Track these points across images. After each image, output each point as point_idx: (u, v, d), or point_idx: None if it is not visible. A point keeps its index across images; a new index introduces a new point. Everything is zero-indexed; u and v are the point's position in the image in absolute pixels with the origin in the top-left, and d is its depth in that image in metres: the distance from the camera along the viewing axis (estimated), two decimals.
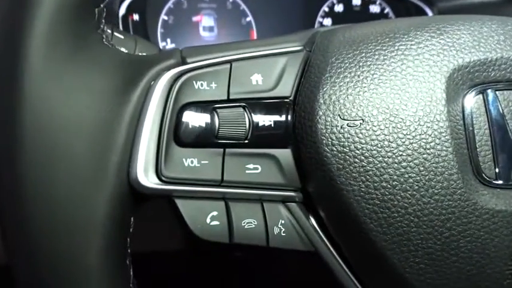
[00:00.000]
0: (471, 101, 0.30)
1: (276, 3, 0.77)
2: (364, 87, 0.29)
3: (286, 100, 0.31)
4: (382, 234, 0.29)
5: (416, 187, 0.29)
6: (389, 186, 0.29)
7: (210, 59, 0.30)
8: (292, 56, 0.32)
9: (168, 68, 0.29)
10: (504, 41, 0.31)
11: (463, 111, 0.30)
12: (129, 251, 0.29)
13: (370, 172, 0.29)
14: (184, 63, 0.30)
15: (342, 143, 0.29)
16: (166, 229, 0.31)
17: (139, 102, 0.28)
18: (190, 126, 0.29)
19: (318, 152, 0.29)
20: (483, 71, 0.30)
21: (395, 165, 0.29)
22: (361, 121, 0.29)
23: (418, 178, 0.29)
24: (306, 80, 0.31)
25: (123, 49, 0.43)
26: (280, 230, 0.30)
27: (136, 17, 0.70)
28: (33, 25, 0.25)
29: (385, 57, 0.30)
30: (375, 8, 0.80)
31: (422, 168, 0.29)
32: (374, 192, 0.29)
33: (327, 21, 0.79)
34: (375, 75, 0.30)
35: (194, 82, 0.30)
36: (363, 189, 0.29)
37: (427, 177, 0.29)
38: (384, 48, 0.30)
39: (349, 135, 0.29)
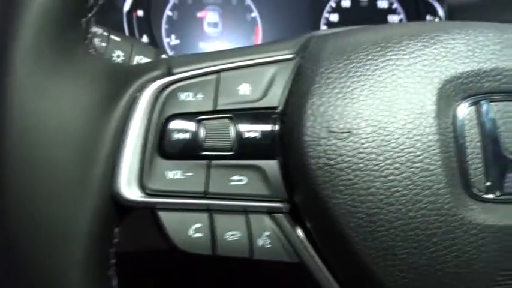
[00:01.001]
0: (463, 113, 0.29)
1: None
2: (353, 98, 0.29)
3: (274, 111, 0.31)
4: (367, 248, 0.29)
5: (403, 201, 0.28)
6: (375, 200, 0.28)
7: (197, 69, 0.30)
8: (283, 65, 0.31)
9: (154, 80, 0.29)
10: (500, 50, 0.30)
11: (454, 124, 0.29)
12: (112, 261, 0.29)
13: (357, 185, 0.28)
14: (170, 74, 0.30)
15: (328, 156, 0.28)
16: (150, 236, 0.31)
17: (124, 114, 0.28)
18: (175, 138, 0.29)
19: (303, 165, 0.29)
20: (477, 82, 0.30)
21: (382, 178, 0.28)
22: (349, 133, 0.29)
23: (405, 192, 0.28)
24: (296, 89, 0.30)
25: (119, 52, 0.43)
26: (265, 241, 0.30)
27: (140, 13, 0.70)
28: (17, 37, 0.25)
29: (376, 68, 0.29)
30: (382, 3, 0.78)
31: (409, 182, 0.28)
32: (360, 206, 0.28)
33: (334, 17, 0.78)
34: (364, 86, 0.29)
35: (180, 93, 0.29)
36: (348, 202, 0.28)
37: (414, 191, 0.28)
38: (375, 58, 0.30)
39: (336, 148, 0.28)
